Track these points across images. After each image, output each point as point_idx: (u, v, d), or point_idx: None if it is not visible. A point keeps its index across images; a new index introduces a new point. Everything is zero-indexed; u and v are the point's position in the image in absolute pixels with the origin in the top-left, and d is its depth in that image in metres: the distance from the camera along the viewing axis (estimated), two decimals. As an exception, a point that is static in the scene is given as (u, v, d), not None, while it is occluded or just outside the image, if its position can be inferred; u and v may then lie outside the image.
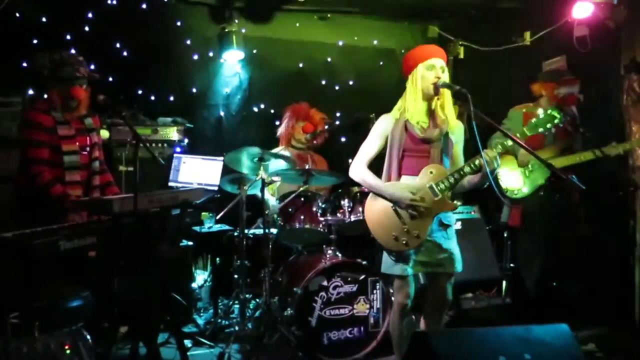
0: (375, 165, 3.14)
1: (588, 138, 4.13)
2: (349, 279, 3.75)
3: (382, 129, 3.09)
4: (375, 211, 3.01)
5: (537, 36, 5.03)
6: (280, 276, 4.09)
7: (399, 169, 3.00)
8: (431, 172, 2.93)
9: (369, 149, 3.11)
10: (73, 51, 3.77)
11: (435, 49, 3.03)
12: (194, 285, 4.64)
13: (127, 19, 5.02)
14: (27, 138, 3.30)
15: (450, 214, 3.06)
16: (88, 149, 3.49)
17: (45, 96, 3.49)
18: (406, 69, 3.05)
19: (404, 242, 2.90)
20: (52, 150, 3.30)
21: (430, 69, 2.95)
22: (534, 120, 2.83)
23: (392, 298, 3.34)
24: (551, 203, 3.99)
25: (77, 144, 3.41)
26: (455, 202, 2.99)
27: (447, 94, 2.98)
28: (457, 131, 3.07)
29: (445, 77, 2.95)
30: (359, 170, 3.09)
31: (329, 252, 3.89)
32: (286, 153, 4.74)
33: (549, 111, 2.81)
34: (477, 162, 2.81)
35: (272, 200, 4.37)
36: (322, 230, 3.99)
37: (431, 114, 3.02)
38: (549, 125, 2.81)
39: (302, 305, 3.63)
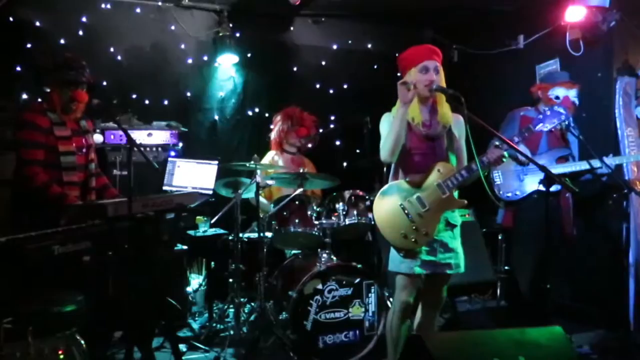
0: (381, 167, 3.11)
1: (583, 142, 4.14)
2: (344, 282, 3.74)
3: (389, 125, 3.05)
4: (384, 210, 2.98)
5: (530, 39, 5.06)
6: (275, 280, 4.08)
7: (405, 168, 3.00)
8: (439, 170, 2.93)
9: None
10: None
11: (428, 51, 2.99)
12: (189, 289, 4.63)
13: (121, 23, 5.02)
14: (22, 138, 3.28)
15: (457, 214, 3.06)
16: (84, 150, 3.48)
17: (40, 99, 3.48)
18: (401, 69, 3.05)
19: (413, 239, 2.89)
20: (48, 151, 3.28)
21: (423, 72, 2.93)
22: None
23: (389, 301, 3.32)
24: (544, 206, 4.00)
25: (74, 144, 3.40)
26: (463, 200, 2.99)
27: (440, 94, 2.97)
28: (457, 125, 3.06)
29: (438, 79, 2.93)
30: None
31: (324, 255, 3.88)
32: (278, 158, 4.75)
33: (555, 108, 2.88)
34: (485, 159, 2.85)
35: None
36: (316, 233, 3.98)
37: (430, 111, 3.01)
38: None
39: (297, 309, 3.62)
